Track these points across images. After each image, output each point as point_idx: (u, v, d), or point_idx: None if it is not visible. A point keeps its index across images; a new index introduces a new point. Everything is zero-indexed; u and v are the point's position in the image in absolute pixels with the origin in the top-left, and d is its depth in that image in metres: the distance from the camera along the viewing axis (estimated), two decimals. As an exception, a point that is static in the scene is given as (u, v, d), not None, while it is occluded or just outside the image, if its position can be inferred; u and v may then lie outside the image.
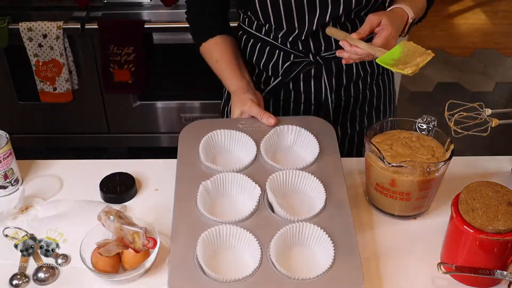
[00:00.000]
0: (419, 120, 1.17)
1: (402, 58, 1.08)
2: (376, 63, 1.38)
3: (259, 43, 1.37)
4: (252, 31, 1.37)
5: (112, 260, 1.01)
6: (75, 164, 1.31)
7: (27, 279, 1.02)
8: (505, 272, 0.97)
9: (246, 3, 1.29)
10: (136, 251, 1.01)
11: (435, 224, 1.14)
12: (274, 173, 1.12)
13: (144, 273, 1.03)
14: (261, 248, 0.99)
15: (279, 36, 1.31)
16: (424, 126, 1.17)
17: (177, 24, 2.29)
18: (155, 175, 1.26)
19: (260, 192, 1.09)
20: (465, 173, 1.26)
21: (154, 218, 1.14)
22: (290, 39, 1.30)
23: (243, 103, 1.26)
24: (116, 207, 1.15)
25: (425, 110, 3.16)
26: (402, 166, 1.06)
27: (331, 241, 1.00)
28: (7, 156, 1.19)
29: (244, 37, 1.40)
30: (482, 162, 1.32)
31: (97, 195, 1.21)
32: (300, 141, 1.23)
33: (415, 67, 1.05)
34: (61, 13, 2.35)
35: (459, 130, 1.16)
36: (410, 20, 1.25)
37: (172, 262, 0.98)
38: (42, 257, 1.06)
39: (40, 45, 2.31)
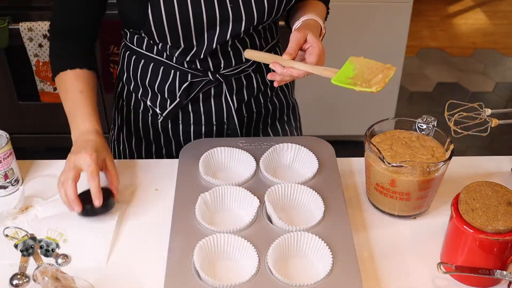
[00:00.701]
0: (419, 120, 1.17)
1: (360, 75, 1.04)
2: None
3: (152, 63, 1.27)
4: (142, 51, 1.27)
5: None
6: (75, 164, 1.31)
7: (27, 279, 1.02)
8: (504, 272, 0.97)
9: (139, 24, 1.19)
10: None
11: (435, 224, 1.14)
12: (273, 186, 1.12)
13: None
14: (258, 257, 0.99)
15: (175, 55, 1.22)
16: (424, 126, 1.17)
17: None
18: (155, 175, 1.26)
19: (259, 204, 1.09)
20: (465, 173, 1.26)
21: (154, 218, 1.15)
22: (188, 58, 1.22)
23: (109, 152, 1.17)
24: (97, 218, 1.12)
25: (425, 110, 3.17)
26: (402, 166, 1.06)
27: (329, 250, 1.00)
28: (7, 156, 1.19)
29: (133, 57, 1.30)
30: (482, 162, 1.32)
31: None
32: (299, 159, 1.23)
33: (382, 83, 1.01)
34: (61, 13, 2.35)
35: (459, 130, 1.16)
36: (324, 31, 1.22)
37: (168, 269, 0.98)
38: (42, 257, 1.06)
39: (40, 45, 2.31)
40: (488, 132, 1.15)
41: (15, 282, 1.01)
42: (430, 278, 1.04)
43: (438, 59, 3.73)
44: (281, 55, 1.37)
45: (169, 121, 1.33)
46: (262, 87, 1.35)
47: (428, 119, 1.16)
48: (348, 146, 1.62)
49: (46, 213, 1.15)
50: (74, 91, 1.21)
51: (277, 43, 1.37)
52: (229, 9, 1.16)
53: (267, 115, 1.41)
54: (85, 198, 1.10)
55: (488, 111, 1.18)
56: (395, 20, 2.59)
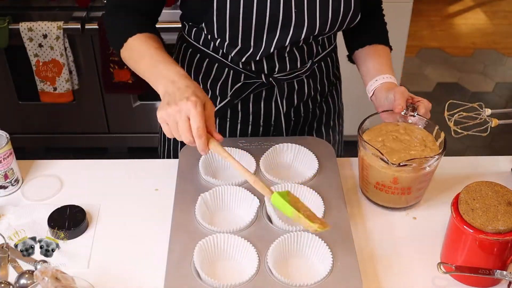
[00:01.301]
0: (404, 111, 1.17)
1: (296, 209, 0.98)
2: (326, 80, 1.35)
3: (207, 59, 1.26)
4: (199, 46, 1.26)
5: None
6: (75, 164, 1.31)
7: (11, 286, 1.01)
8: (504, 272, 0.97)
9: (201, 15, 1.18)
10: None
11: (435, 224, 1.14)
12: (273, 186, 1.11)
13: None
14: (258, 257, 0.99)
15: (231, 54, 1.20)
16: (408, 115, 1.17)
17: (177, 24, 2.29)
18: (155, 175, 1.26)
19: (259, 204, 1.09)
20: (465, 173, 1.27)
21: (154, 218, 1.15)
22: (244, 59, 1.20)
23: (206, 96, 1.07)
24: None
25: (425, 110, 3.16)
26: (406, 165, 1.06)
27: (329, 250, 1.00)
28: (7, 156, 1.19)
29: (190, 50, 1.29)
30: (482, 162, 1.32)
31: (97, 194, 1.21)
32: (299, 159, 1.23)
33: (322, 227, 0.95)
34: (61, 13, 2.35)
35: (459, 130, 1.16)
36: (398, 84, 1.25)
37: (168, 269, 0.98)
38: (22, 263, 1.05)
39: (40, 45, 2.31)
40: (488, 132, 1.15)
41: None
42: (430, 278, 1.04)
43: (438, 59, 3.73)
44: (336, 60, 1.40)
45: (217, 117, 1.33)
46: (313, 93, 1.34)
47: (411, 107, 1.16)
48: (348, 146, 1.62)
49: (19, 220, 1.14)
50: (149, 48, 1.13)
51: (333, 49, 1.36)
52: (292, 13, 1.15)
53: (313, 120, 1.40)
54: (57, 220, 1.11)
55: (488, 111, 1.18)
56: (395, 20, 2.58)
